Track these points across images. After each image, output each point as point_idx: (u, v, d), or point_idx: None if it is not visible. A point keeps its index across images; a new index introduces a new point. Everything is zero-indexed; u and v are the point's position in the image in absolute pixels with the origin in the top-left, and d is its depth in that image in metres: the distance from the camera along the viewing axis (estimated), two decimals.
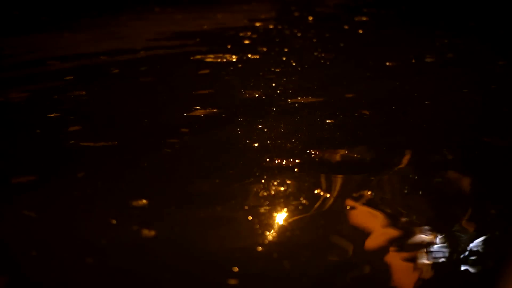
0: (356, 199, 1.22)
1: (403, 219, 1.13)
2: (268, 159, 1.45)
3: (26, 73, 2.90)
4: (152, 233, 1.06)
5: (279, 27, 4.74)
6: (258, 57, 3.18)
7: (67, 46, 3.90)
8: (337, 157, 1.48)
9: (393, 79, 2.48)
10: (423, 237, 1.04)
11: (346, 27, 4.62)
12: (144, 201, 1.19)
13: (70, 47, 3.82)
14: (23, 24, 5.40)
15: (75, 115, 1.96)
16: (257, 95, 2.20)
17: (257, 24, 4.90)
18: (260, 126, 1.75)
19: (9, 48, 3.80)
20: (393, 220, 1.12)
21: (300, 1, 7.98)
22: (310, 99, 2.11)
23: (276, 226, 1.09)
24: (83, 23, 5.43)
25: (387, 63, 2.85)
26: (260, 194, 1.23)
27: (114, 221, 1.10)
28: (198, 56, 3.20)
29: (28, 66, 3.09)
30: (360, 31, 4.31)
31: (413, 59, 2.93)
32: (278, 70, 2.75)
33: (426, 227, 1.08)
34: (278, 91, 2.27)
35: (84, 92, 2.33)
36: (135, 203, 1.18)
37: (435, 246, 1.01)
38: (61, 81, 2.60)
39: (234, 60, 3.07)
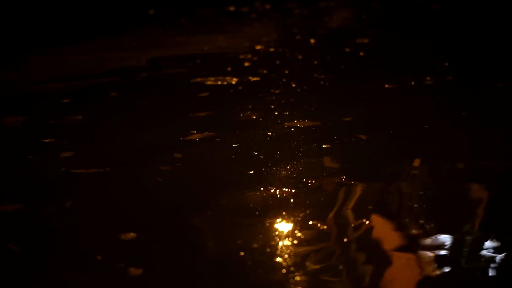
0: (355, 230, 1.19)
1: (403, 247, 1.09)
2: (262, 189, 1.42)
3: (24, 97, 2.90)
4: (139, 271, 1.02)
5: (280, 50, 4.74)
6: (258, 79, 3.16)
7: (67, 68, 3.91)
8: (334, 186, 1.44)
9: (392, 102, 2.46)
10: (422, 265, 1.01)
11: (347, 49, 4.62)
12: (132, 234, 1.15)
13: (70, 70, 3.82)
14: (25, 46, 5.44)
15: (69, 141, 1.94)
16: (254, 118, 2.18)
17: (258, 47, 4.91)
18: (255, 153, 1.72)
19: (11, 72, 3.82)
20: (393, 248, 1.08)
21: (302, 23, 8.04)
22: (307, 122, 2.08)
23: (269, 263, 1.05)
24: (84, 45, 5.46)
25: (386, 85, 2.83)
26: (254, 228, 1.20)
27: (99, 257, 1.06)
28: (198, 79, 3.19)
29: (27, 90, 3.09)
30: (361, 54, 4.30)
31: (412, 82, 2.91)
32: (277, 91, 2.73)
33: (426, 253, 1.04)
34: (276, 113, 2.25)
35: (80, 117, 2.31)
36: (123, 236, 1.14)
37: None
38: (58, 105, 2.59)
39: (234, 82, 3.06)
